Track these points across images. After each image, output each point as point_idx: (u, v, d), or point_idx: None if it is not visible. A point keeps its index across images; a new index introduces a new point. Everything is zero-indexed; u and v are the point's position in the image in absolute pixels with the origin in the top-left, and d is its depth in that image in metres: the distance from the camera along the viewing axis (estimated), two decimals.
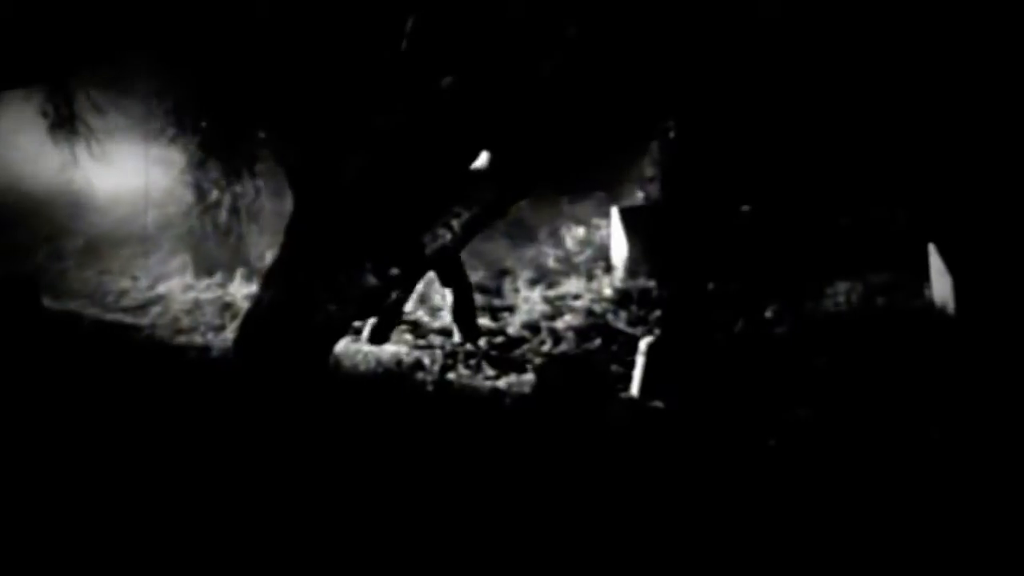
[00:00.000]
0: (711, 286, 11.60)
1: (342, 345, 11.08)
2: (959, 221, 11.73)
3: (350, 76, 9.42)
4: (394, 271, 9.27)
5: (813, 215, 12.49)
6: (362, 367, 10.95)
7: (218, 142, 10.68)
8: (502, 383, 10.82)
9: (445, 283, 11.50)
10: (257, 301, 9.77)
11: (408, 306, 12.03)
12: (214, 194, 11.65)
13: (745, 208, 12.16)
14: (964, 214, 11.75)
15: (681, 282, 11.13)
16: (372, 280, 9.22)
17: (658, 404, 10.44)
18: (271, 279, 9.61)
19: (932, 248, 11.47)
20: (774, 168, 12.22)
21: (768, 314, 11.36)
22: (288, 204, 9.37)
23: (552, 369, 9.93)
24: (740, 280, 11.68)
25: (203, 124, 10.50)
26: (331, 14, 9.52)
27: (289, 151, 9.25)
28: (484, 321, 11.82)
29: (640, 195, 12.83)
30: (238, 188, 11.45)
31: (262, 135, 10.15)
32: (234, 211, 11.74)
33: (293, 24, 9.35)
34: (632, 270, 12.14)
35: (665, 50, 11.52)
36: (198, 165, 11.21)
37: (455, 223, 9.23)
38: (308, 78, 9.30)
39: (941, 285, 11.32)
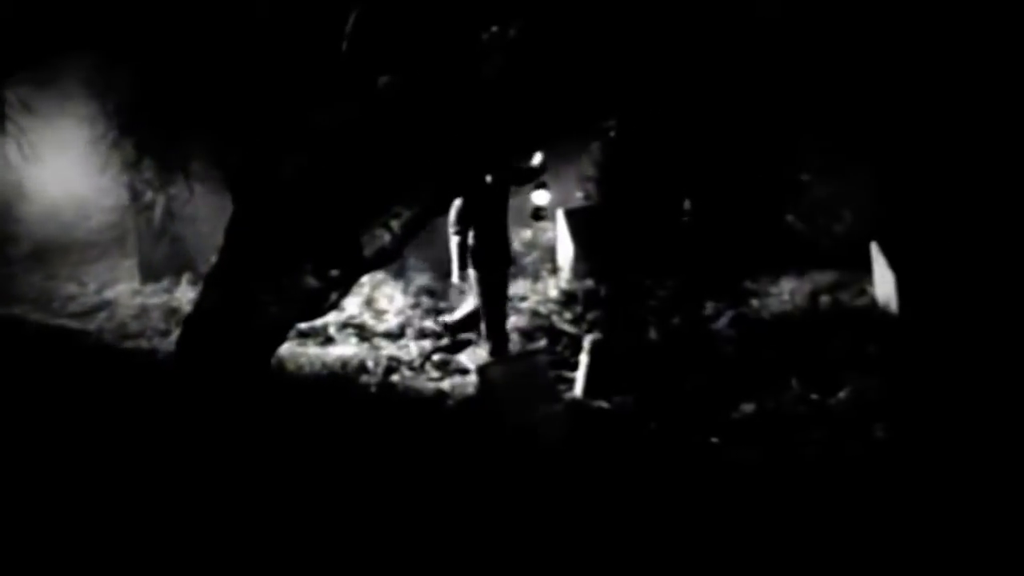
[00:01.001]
0: (650, 284, 11.61)
1: (286, 347, 11.06)
2: (901, 219, 11.80)
3: (289, 75, 9.41)
4: (334, 272, 9.26)
5: (759, 214, 12.53)
6: (306, 369, 10.93)
7: (153, 143, 10.62)
8: (446, 384, 10.83)
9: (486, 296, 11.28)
10: (199, 304, 9.74)
11: (354, 309, 12.02)
12: (148, 195, 11.59)
13: (687, 206, 12.19)
14: (906, 212, 11.82)
15: (618, 281, 11.14)
16: (312, 282, 9.21)
17: (602, 404, 10.47)
18: (212, 282, 9.57)
19: (875, 246, 11.53)
20: (716, 168, 12.27)
21: (707, 311, 11.38)
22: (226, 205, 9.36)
23: (493, 370, 9.92)
24: (681, 279, 11.71)
25: (138, 125, 10.43)
26: (269, 13, 9.51)
27: (227, 152, 9.22)
28: (429, 323, 11.81)
29: (579, 195, 12.84)
30: (172, 189, 11.40)
31: (199, 136, 10.11)
32: (169, 212, 11.68)
33: (230, 23, 9.33)
34: (578, 271, 12.14)
35: (607, 50, 11.56)
36: (132, 166, 11.15)
37: (394, 224, 9.22)
38: (245, 78, 9.29)
39: (884, 283, 11.38)
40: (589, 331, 11.02)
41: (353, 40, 9.57)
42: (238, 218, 9.22)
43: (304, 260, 9.05)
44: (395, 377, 10.97)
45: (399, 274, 12.47)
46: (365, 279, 12.21)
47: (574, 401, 10.44)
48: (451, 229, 11.57)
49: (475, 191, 11.04)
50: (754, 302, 11.56)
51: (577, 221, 12.34)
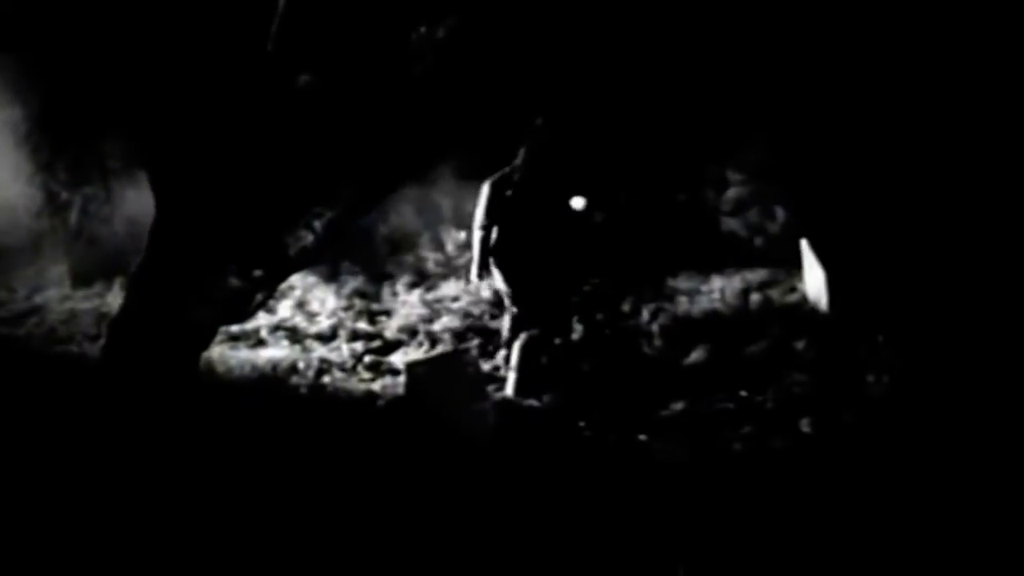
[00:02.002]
0: (574, 282, 11.61)
1: (216, 350, 11.00)
2: (830, 216, 11.86)
3: (212, 75, 9.34)
4: (257, 273, 9.21)
5: (688, 212, 12.57)
6: (236, 372, 10.86)
7: (68, 143, 10.52)
8: (377, 386, 10.79)
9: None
10: (123, 307, 9.65)
11: (286, 311, 11.97)
12: (63, 196, 11.48)
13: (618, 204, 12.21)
14: (834, 209, 11.89)
15: (541, 280, 11.14)
16: (236, 282, 9.16)
17: (532, 402, 10.46)
18: (136, 284, 9.50)
19: (804, 243, 11.59)
20: (644, 166, 12.30)
21: (626, 308, 11.41)
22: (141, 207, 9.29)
23: (420, 368, 9.89)
24: (609, 277, 11.73)
25: (53, 125, 10.34)
26: (192, 12, 9.44)
27: (149, 152, 9.16)
28: (361, 325, 11.77)
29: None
30: (88, 190, 11.31)
31: (119, 135, 10.03)
32: (85, 212, 11.58)
33: (152, 22, 9.26)
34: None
35: (536, 50, 11.58)
36: (45, 167, 11.04)
37: (317, 224, 9.19)
38: (168, 77, 9.22)
39: (814, 280, 11.43)
40: (521, 330, 10.96)
41: (279, 37, 9.53)
42: (160, 218, 9.15)
43: (227, 260, 9.00)
44: (326, 379, 10.91)
45: (332, 276, 12.44)
46: (297, 281, 12.23)
47: (504, 399, 10.41)
48: (476, 223, 11.03)
49: (503, 189, 10.78)
50: (683, 299, 11.55)
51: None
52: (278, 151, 9.05)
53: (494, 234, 10.84)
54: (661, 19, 11.47)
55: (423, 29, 10.96)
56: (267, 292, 9.41)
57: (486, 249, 10.85)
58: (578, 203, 11.11)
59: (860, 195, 11.85)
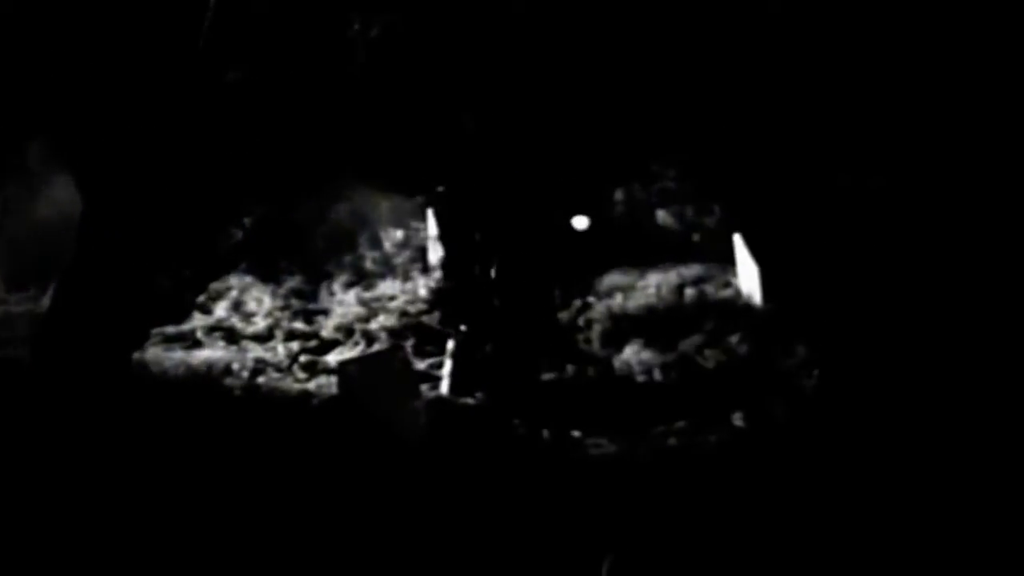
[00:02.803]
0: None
1: (152, 352, 10.95)
2: (762, 212, 11.93)
3: (139, 74, 9.29)
4: (187, 272, 9.19)
5: (625, 209, 12.62)
6: (170, 373, 10.80)
7: None
8: (312, 385, 10.76)
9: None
10: (51, 309, 9.61)
11: (222, 312, 11.91)
12: None
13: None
14: (766, 205, 11.96)
15: (474, 278, 11.21)
16: (165, 282, 9.13)
17: (466, 399, 10.48)
18: (63, 286, 9.45)
19: (737, 239, 11.65)
20: (576, 164, 12.33)
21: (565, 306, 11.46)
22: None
23: (353, 367, 9.88)
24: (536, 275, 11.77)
25: None
26: (122, 13, 9.39)
27: (74, 152, 9.11)
28: (298, 325, 11.73)
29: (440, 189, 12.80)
30: (10, 191, 11.22)
31: (44, 136, 9.95)
32: (6, 214, 11.49)
33: (81, 22, 9.20)
34: (447, 270, 12.11)
35: (468, 49, 11.60)
36: None
37: (247, 222, 9.17)
38: (96, 79, 9.16)
39: (747, 275, 11.50)
40: (456, 329, 10.98)
41: (210, 35, 9.50)
42: (87, 219, 9.10)
43: (155, 260, 8.96)
44: (261, 379, 10.87)
45: (269, 276, 12.36)
46: (234, 282, 12.16)
47: (437, 397, 10.42)
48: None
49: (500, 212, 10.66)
50: (619, 295, 11.58)
51: (446, 220, 12.30)
52: (206, 149, 9.01)
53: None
54: (589, 22, 11.53)
55: (357, 27, 10.98)
56: (198, 292, 9.40)
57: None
58: (581, 223, 11.11)
59: (792, 191, 11.92)
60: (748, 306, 11.38)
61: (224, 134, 9.10)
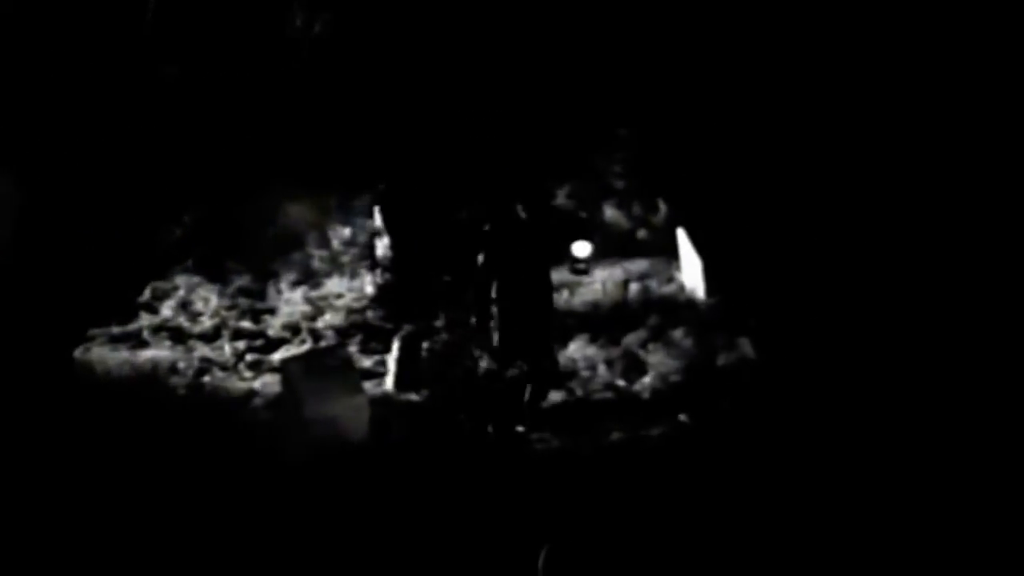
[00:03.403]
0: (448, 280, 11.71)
1: (96, 351, 10.94)
2: (705, 206, 12.01)
3: (75, 69, 9.26)
4: (127, 269, 9.17)
5: (572, 205, 12.68)
6: (114, 372, 10.78)
7: None
8: (258, 384, 10.78)
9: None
10: None
11: (168, 312, 11.90)
12: None
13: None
14: (709, 200, 12.04)
15: (408, 275, 11.27)
16: (104, 279, 9.11)
17: (411, 396, 10.52)
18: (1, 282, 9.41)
19: (681, 233, 11.73)
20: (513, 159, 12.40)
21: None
22: None
23: (297, 365, 9.90)
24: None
25: None
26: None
27: (13, 148, 9.07)
28: (244, 324, 11.74)
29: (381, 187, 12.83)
30: None
31: None
32: None
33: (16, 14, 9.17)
34: (393, 266, 12.14)
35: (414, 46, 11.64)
36: None
37: (187, 219, 9.17)
38: (28, 72, 9.12)
39: (691, 269, 11.57)
40: (401, 326, 11.02)
41: (150, 32, 9.49)
42: (23, 215, 9.06)
43: (93, 257, 8.94)
44: (206, 378, 10.88)
45: (216, 275, 12.35)
46: (181, 281, 12.15)
47: (382, 394, 10.46)
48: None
49: (503, 237, 10.35)
50: (565, 291, 11.64)
51: (392, 217, 12.33)
52: (145, 145, 9.01)
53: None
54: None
55: (299, 24, 11.00)
56: (138, 290, 9.37)
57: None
58: (583, 250, 11.06)
59: (734, 186, 12.01)
60: (691, 301, 11.46)
61: (162, 130, 9.08)
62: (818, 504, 8.91)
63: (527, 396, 10.26)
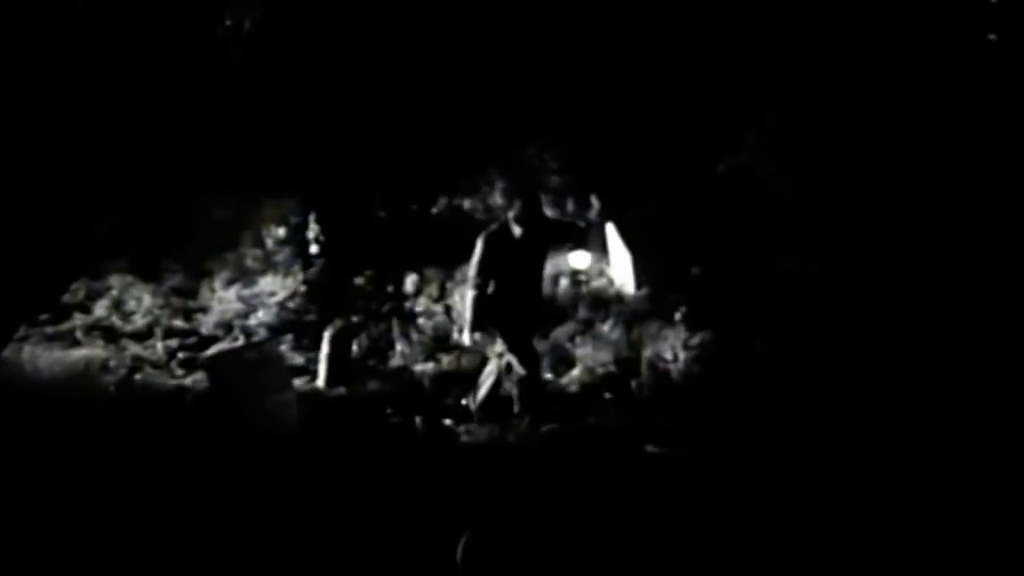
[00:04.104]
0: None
1: (28, 350, 10.96)
2: (633, 202, 12.19)
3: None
4: (51, 267, 9.20)
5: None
6: (45, 371, 10.80)
7: None
8: (188, 381, 10.83)
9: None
10: None
11: (102, 311, 11.94)
12: None
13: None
14: (639, 196, 12.21)
15: (340, 272, 11.38)
16: (29, 278, 9.14)
17: (340, 391, 10.60)
18: None
19: (610, 228, 11.86)
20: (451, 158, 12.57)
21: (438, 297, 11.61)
22: None
23: (224, 361, 9.96)
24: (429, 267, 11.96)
25: None
26: None
27: None
28: (177, 322, 11.79)
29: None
30: None
31: None
32: None
33: None
34: (327, 264, 12.25)
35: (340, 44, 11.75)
36: None
37: (121, 219, 9.20)
38: None
39: (620, 264, 11.70)
40: (330, 322, 11.11)
41: (77, 29, 9.52)
42: None
43: (15, 256, 8.98)
44: (137, 376, 10.92)
45: (150, 275, 12.40)
46: (115, 281, 12.21)
47: (311, 389, 10.54)
48: (470, 282, 10.06)
49: (498, 244, 9.90)
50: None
51: (324, 215, 12.45)
52: (65, 145, 9.04)
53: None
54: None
55: (228, 23, 11.07)
56: (63, 289, 9.40)
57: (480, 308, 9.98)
58: (582, 261, 10.86)
59: (663, 183, 12.18)
60: (620, 295, 11.59)
61: (94, 130, 9.12)
62: (741, 492, 9.02)
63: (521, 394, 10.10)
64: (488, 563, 6.77)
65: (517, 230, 9.82)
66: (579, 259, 10.80)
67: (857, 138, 12.94)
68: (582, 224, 11.14)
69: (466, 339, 10.15)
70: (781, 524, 8.50)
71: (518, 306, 9.94)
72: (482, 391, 10.23)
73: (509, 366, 10.02)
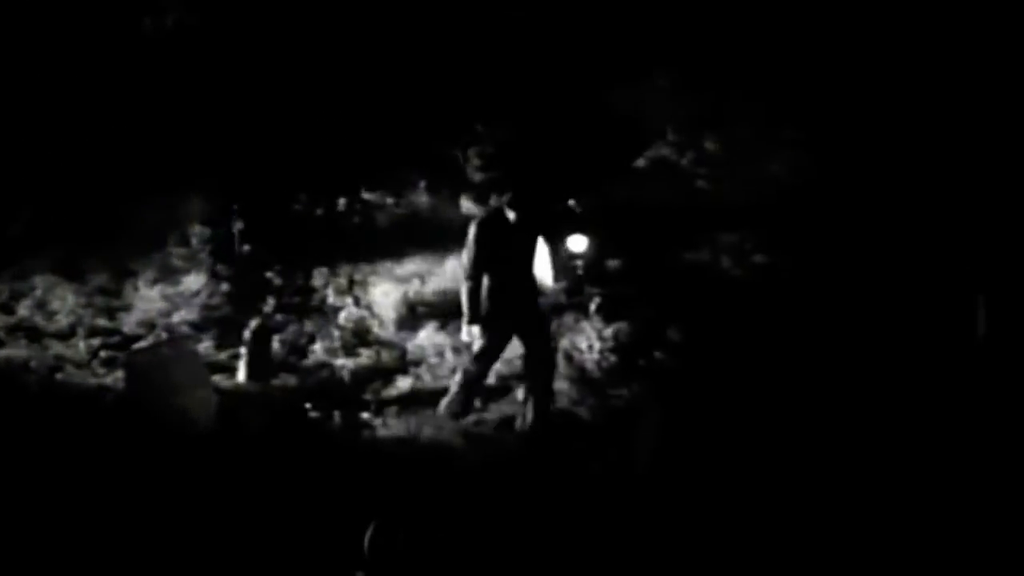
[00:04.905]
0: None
1: None
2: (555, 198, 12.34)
3: None
4: None
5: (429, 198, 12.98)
6: None
7: None
8: (110, 380, 10.87)
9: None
10: None
11: (25, 311, 11.96)
12: None
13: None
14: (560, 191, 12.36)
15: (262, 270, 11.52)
16: None
17: (260, 387, 10.70)
18: None
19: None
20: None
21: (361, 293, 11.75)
22: None
23: (141, 357, 10.04)
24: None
25: None
26: None
27: None
28: (100, 322, 11.83)
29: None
30: None
31: None
32: None
33: None
34: (254, 262, 12.33)
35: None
36: None
37: (26, 212, 9.22)
38: None
39: (538, 259, 11.81)
40: (251, 319, 11.20)
41: None
42: None
43: None
44: (59, 375, 10.96)
45: (74, 275, 12.41)
46: (38, 282, 12.22)
47: (231, 385, 10.63)
48: (464, 275, 9.85)
49: (493, 231, 9.60)
50: (416, 281, 11.88)
51: (246, 213, 12.53)
52: None
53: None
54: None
55: (148, 21, 11.13)
56: None
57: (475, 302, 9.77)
58: (580, 244, 10.86)
59: (584, 178, 12.36)
60: (540, 286, 11.70)
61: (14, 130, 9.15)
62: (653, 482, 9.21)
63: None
64: (393, 552, 6.88)
65: (512, 215, 9.52)
66: (577, 243, 10.75)
67: (778, 130, 13.23)
68: (578, 208, 10.99)
69: (464, 334, 9.92)
70: (691, 515, 8.71)
71: (517, 297, 9.69)
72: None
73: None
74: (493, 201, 9.75)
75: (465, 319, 9.78)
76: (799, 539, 8.49)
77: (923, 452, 9.27)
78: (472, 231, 9.60)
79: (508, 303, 9.68)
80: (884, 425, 9.55)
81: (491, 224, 9.61)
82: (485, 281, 9.69)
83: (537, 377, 9.88)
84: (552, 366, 10.04)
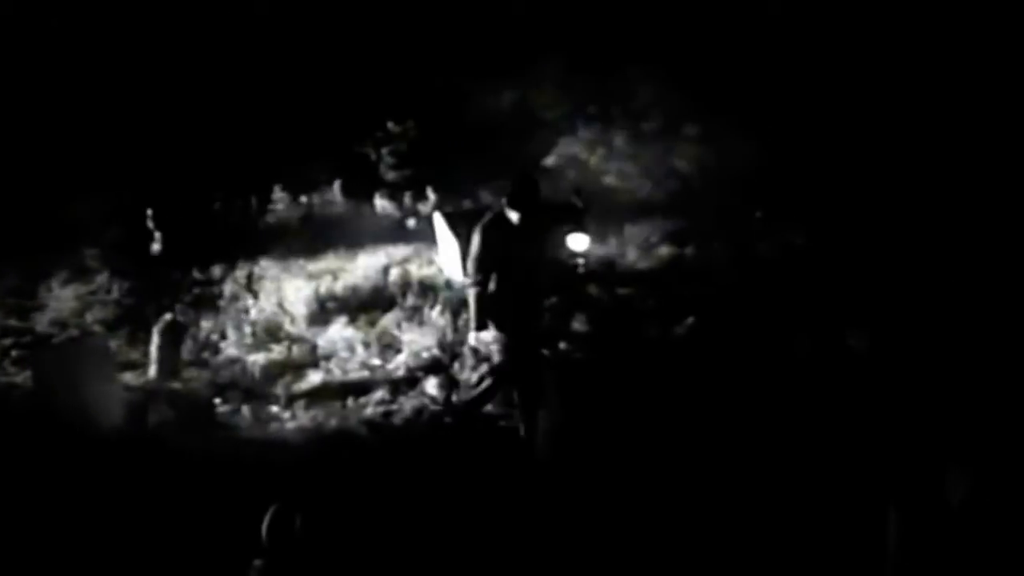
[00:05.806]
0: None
1: None
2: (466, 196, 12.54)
3: None
4: None
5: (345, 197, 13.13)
6: None
7: None
8: (20, 379, 10.91)
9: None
10: None
11: None
12: None
13: None
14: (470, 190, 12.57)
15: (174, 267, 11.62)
16: None
17: (173, 383, 10.79)
18: None
19: (438, 217, 12.14)
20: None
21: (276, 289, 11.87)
22: None
23: (47, 355, 10.09)
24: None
25: None
26: None
27: None
28: (12, 322, 11.86)
29: None
30: None
31: None
32: None
33: None
34: (166, 260, 12.41)
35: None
36: None
37: None
38: None
39: (447, 252, 11.97)
40: (161, 315, 11.29)
41: None
42: None
43: None
44: None
45: None
46: None
47: (144, 382, 10.71)
48: (470, 279, 9.56)
49: (496, 233, 9.27)
50: (328, 278, 12.00)
51: (159, 211, 12.61)
52: None
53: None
54: None
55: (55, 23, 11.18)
56: None
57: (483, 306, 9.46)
58: (581, 243, 10.71)
59: (493, 173, 12.53)
60: (448, 282, 11.86)
61: None
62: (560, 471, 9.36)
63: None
64: (291, 537, 7.00)
65: (514, 216, 9.25)
66: (578, 241, 10.64)
67: (688, 126, 13.48)
68: (579, 204, 10.82)
69: (471, 340, 9.74)
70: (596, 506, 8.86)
71: (523, 299, 9.45)
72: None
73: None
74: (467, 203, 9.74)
75: (472, 325, 9.56)
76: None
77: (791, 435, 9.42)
78: (476, 235, 9.35)
79: (513, 306, 9.47)
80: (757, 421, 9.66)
81: (494, 227, 9.35)
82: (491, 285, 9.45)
83: (527, 389, 9.70)
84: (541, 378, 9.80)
